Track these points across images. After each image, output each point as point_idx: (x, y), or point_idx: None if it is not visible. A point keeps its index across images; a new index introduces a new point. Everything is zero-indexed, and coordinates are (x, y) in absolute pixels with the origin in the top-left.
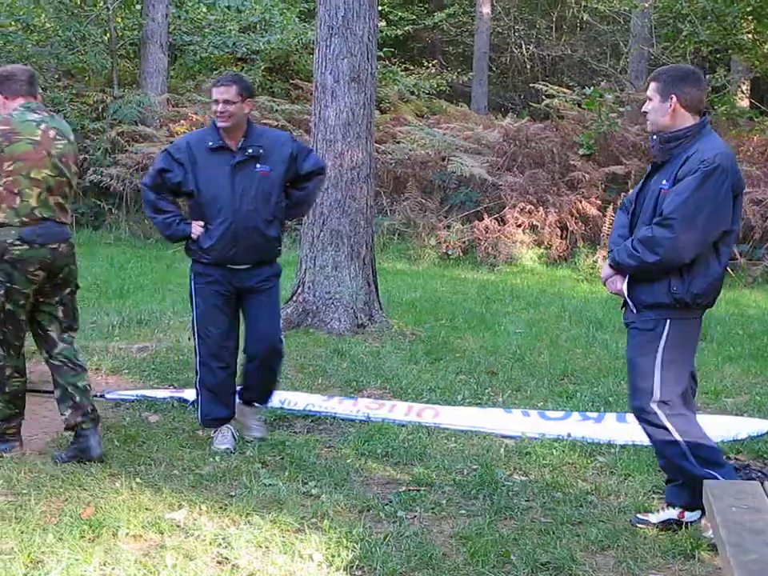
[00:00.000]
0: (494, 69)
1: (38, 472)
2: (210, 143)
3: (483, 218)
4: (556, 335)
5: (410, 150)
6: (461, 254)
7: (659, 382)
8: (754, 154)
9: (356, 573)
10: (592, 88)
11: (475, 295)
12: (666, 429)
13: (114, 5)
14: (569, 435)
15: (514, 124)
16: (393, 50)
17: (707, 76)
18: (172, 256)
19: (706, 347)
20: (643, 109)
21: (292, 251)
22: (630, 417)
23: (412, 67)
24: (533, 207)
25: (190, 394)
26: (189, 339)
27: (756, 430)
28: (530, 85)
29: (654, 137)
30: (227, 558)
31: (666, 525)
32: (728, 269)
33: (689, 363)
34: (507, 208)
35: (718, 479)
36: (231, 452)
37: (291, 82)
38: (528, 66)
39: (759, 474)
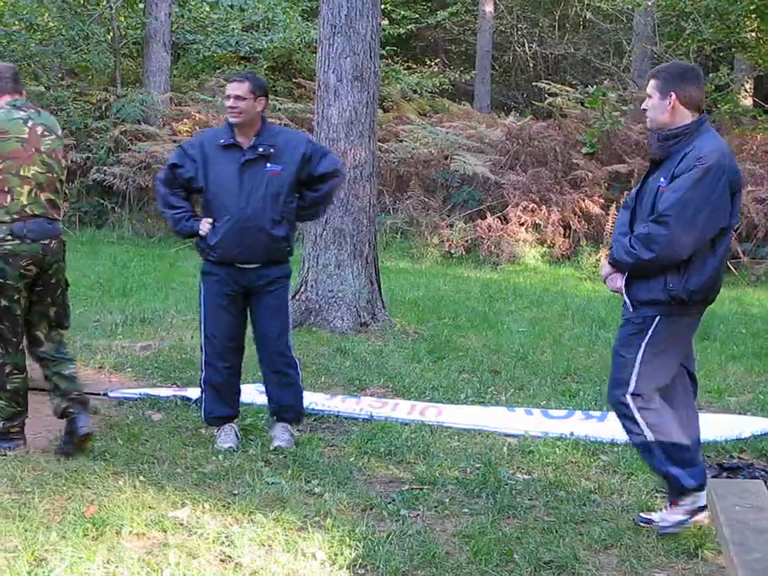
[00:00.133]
0: (497, 67)
1: (41, 470)
2: (222, 140)
3: (486, 217)
4: (559, 334)
5: (412, 149)
6: (464, 252)
7: (636, 375)
8: (757, 152)
9: (359, 571)
10: (595, 86)
11: (478, 294)
12: (636, 421)
13: (117, 4)
14: (572, 434)
15: (517, 122)
16: (395, 48)
17: (710, 74)
18: (175, 254)
19: (709, 346)
20: (642, 106)
21: (295, 249)
22: None
23: (415, 66)
24: (536, 206)
25: (192, 393)
26: (191, 338)
27: (759, 429)
28: (533, 83)
29: (653, 134)
30: (230, 556)
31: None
32: (731, 267)
33: (674, 361)
34: (510, 207)
35: (679, 478)
36: (234, 451)
37: (294, 80)
38: (531, 65)
39: (763, 472)
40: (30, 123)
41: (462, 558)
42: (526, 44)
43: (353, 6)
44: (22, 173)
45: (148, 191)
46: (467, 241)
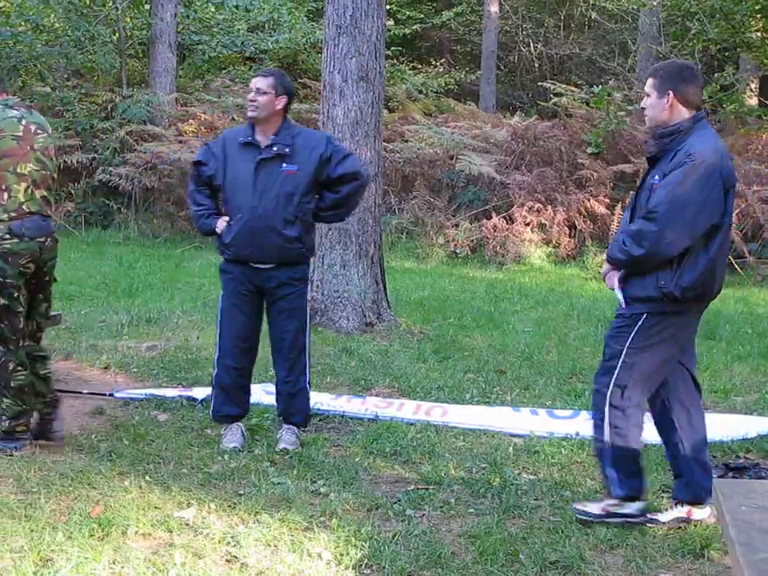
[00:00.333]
0: (502, 67)
1: (47, 470)
2: (241, 138)
3: (491, 217)
4: (564, 334)
5: (418, 149)
6: (469, 252)
7: (620, 365)
8: (762, 152)
9: (365, 571)
10: (600, 86)
11: (483, 294)
12: (602, 415)
13: (123, 5)
14: (577, 434)
15: (522, 123)
16: (401, 48)
17: (715, 74)
18: (181, 255)
19: (714, 346)
20: (641, 105)
21: None
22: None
23: (420, 66)
24: (541, 206)
25: (198, 393)
26: (197, 338)
27: (766, 429)
28: (538, 83)
29: (650, 132)
30: (236, 557)
31: (676, 523)
32: (737, 267)
33: (660, 360)
34: (515, 206)
35: (611, 482)
36: (239, 450)
37: (299, 81)
38: (536, 65)
39: None
40: (24, 122)
41: (467, 558)
42: (531, 44)
43: (358, 7)
44: (18, 170)
45: (154, 192)
46: (472, 241)
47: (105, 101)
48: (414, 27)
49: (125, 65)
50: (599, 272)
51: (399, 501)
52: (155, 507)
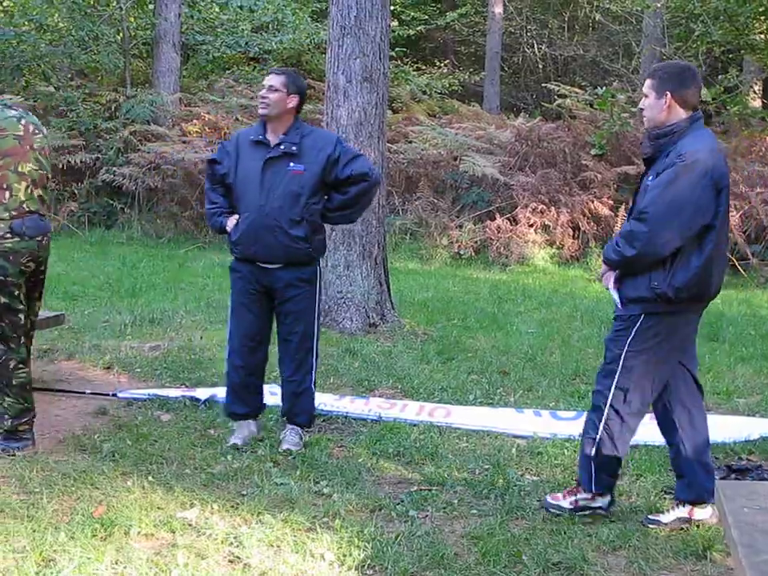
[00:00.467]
0: (506, 69)
1: (50, 470)
2: (252, 136)
3: (495, 218)
4: (568, 335)
5: (422, 150)
6: (473, 253)
7: (620, 368)
8: (766, 154)
9: (367, 572)
10: (604, 88)
11: (487, 295)
12: (601, 414)
13: (127, 5)
14: (580, 435)
15: (526, 124)
16: (405, 49)
17: (719, 76)
18: (184, 255)
19: (717, 347)
20: (639, 106)
21: None
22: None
23: (424, 67)
24: (545, 207)
25: (201, 393)
26: (201, 338)
27: None
28: (542, 85)
29: (646, 133)
30: (239, 557)
31: (678, 524)
32: (740, 269)
33: (660, 361)
34: (519, 208)
35: (585, 479)
36: (238, 448)
37: None
38: (540, 66)
39: None
40: (23, 121)
41: (470, 559)
42: (536, 45)
43: (362, 8)
44: (19, 169)
45: (157, 192)
46: (476, 242)
47: (108, 101)
48: (418, 28)
49: (129, 65)
50: None
51: (402, 502)
52: (158, 507)
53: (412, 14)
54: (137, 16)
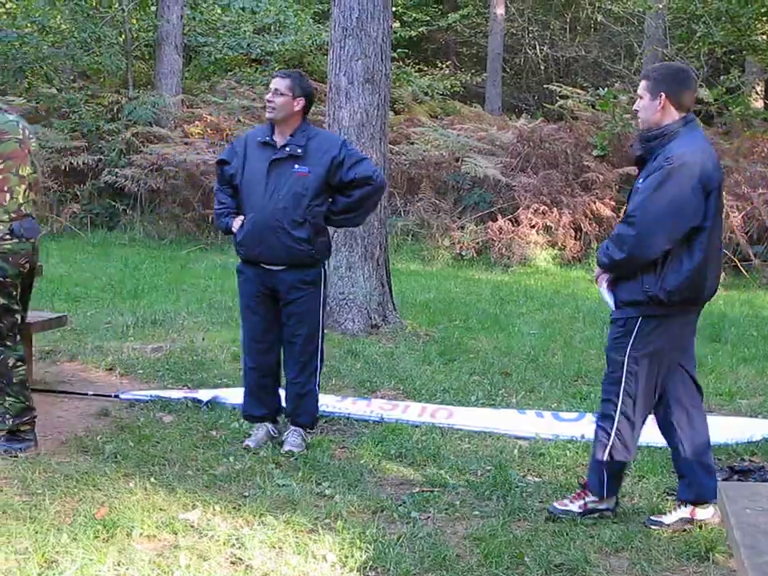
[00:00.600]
0: (508, 70)
1: (52, 472)
2: (260, 138)
3: (497, 219)
4: (570, 336)
5: (423, 151)
6: (474, 254)
7: (626, 375)
8: None
9: (369, 574)
10: (606, 89)
11: (489, 296)
12: (612, 422)
13: (130, 6)
14: (583, 436)
15: (528, 125)
16: (407, 51)
17: (721, 77)
18: (186, 256)
19: (720, 348)
20: (634, 107)
21: None
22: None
23: (426, 68)
24: (546, 208)
25: (204, 395)
26: (203, 339)
27: None
28: (544, 86)
29: (638, 134)
30: (241, 559)
31: (681, 525)
32: (743, 270)
33: (662, 362)
34: (521, 209)
35: (597, 483)
36: (249, 450)
37: None
38: (542, 67)
39: None
40: (21, 125)
41: (472, 561)
42: (537, 46)
43: (364, 9)
44: (20, 172)
45: (159, 193)
46: (478, 243)
47: (111, 102)
48: (419, 29)
49: (131, 66)
50: None
51: (404, 503)
52: (160, 509)
53: (414, 15)
54: (139, 18)
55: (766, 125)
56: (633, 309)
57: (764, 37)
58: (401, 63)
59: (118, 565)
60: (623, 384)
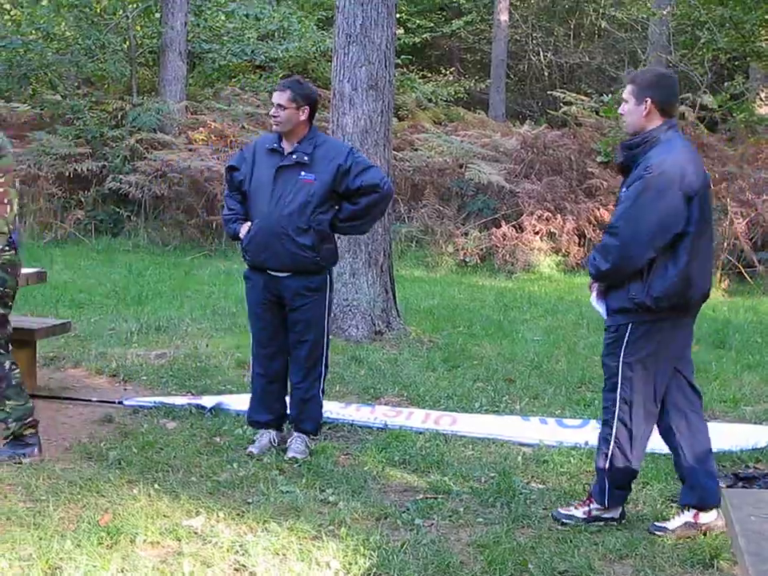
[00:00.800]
0: (512, 76)
1: (56, 478)
2: (268, 145)
3: (501, 226)
4: (574, 343)
5: (427, 158)
6: (478, 261)
7: (621, 380)
8: None
9: None
10: (610, 95)
11: (493, 302)
12: (611, 429)
13: (134, 13)
14: (587, 443)
15: (532, 131)
16: (410, 57)
17: (725, 83)
18: (190, 263)
19: (724, 355)
20: (619, 111)
21: None
22: None
23: (430, 75)
24: (550, 214)
25: (207, 401)
26: (206, 346)
27: None
28: (548, 92)
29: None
30: (244, 565)
31: (685, 531)
32: (747, 276)
33: (656, 368)
34: (525, 215)
35: (599, 490)
36: (252, 456)
37: None
38: (546, 74)
39: None
40: (7, 139)
41: (476, 568)
42: (541, 53)
43: (368, 16)
44: (15, 185)
45: (163, 200)
46: (482, 249)
47: (115, 109)
48: (423, 36)
49: (135, 73)
50: None
51: (408, 510)
52: (164, 515)
53: (417, 21)
54: (143, 25)
55: None
56: (622, 316)
57: None
58: (405, 70)
59: (122, 571)
60: (619, 390)
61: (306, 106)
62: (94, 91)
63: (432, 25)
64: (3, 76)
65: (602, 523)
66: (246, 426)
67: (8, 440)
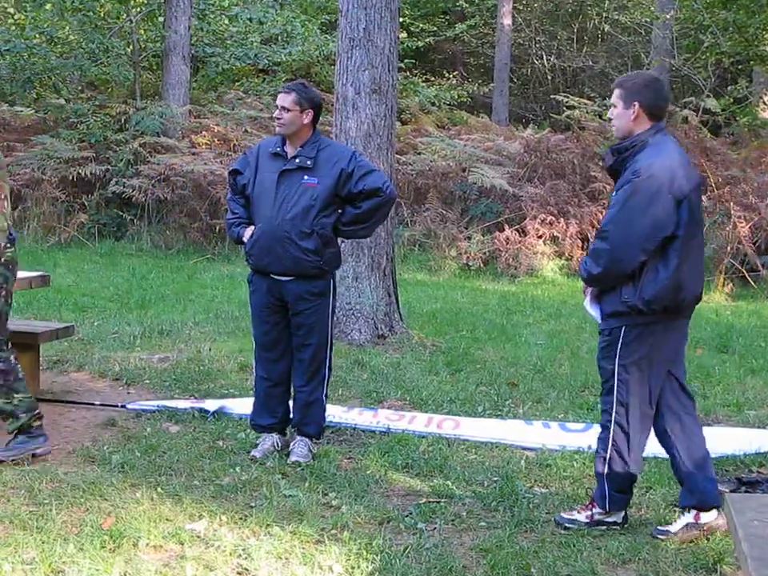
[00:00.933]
0: (515, 80)
1: (59, 482)
2: (271, 148)
3: (504, 229)
4: (577, 346)
5: (430, 161)
6: (481, 265)
7: (617, 383)
8: None
9: None
10: None
11: (496, 306)
12: (608, 432)
13: (138, 17)
14: (590, 447)
15: (535, 135)
16: (414, 61)
17: (729, 87)
18: (193, 266)
19: (727, 359)
20: (608, 115)
21: None
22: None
23: (433, 78)
24: (553, 218)
25: (210, 405)
26: (209, 349)
27: None
28: (551, 96)
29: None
30: (247, 569)
31: (687, 532)
32: (750, 280)
33: (651, 370)
34: (528, 219)
35: (600, 495)
36: (255, 460)
37: None
38: (549, 78)
39: None
40: None
41: (479, 572)
42: (545, 57)
43: (371, 20)
44: (8, 180)
45: (167, 203)
46: (485, 253)
47: (118, 113)
48: (427, 40)
49: (138, 77)
50: None
51: (411, 514)
52: (167, 519)
53: (421, 25)
54: (147, 29)
55: None
56: (615, 320)
57: None
58: (408, 73)
59: (125, 575)
60: (615, 393)
61: (310, 110)
62: (98, 95)
63: (435, 29)
64: (7, 80)
65: (604, 527)
66: (248, 430)
67: (15, 434)
